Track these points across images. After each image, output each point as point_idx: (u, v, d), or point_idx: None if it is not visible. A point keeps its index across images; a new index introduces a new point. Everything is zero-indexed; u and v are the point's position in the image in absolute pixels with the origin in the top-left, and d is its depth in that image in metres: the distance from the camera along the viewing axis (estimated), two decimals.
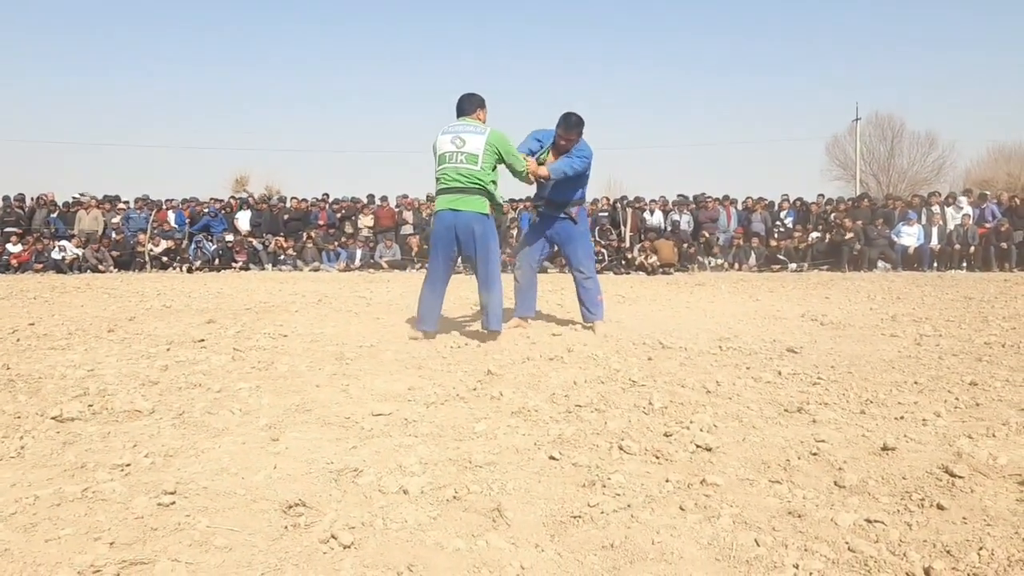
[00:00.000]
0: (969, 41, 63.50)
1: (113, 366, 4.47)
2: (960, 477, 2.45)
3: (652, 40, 72.92)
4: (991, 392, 3.75)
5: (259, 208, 19.46)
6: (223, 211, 19.16)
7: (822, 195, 19.67)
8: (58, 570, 1.83)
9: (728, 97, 69.81)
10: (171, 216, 18.71)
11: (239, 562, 1.90)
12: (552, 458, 2.71)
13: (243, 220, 18.79)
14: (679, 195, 19.29)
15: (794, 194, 19.26)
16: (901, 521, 2.14)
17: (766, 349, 5.09)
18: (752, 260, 17.05)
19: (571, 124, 5.74)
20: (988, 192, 19.47)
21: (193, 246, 17.76)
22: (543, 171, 5.65)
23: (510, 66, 72.42)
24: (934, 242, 16.62)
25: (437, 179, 5.42)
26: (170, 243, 17.68)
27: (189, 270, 16.89)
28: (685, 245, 17.06)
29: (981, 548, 1.94)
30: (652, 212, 18.42)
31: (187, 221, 18.66)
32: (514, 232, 15.89)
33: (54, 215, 18.63)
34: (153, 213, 18.54)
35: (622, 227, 17.71)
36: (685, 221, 18.06)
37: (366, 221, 18.56)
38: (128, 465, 2.61)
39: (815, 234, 17.43)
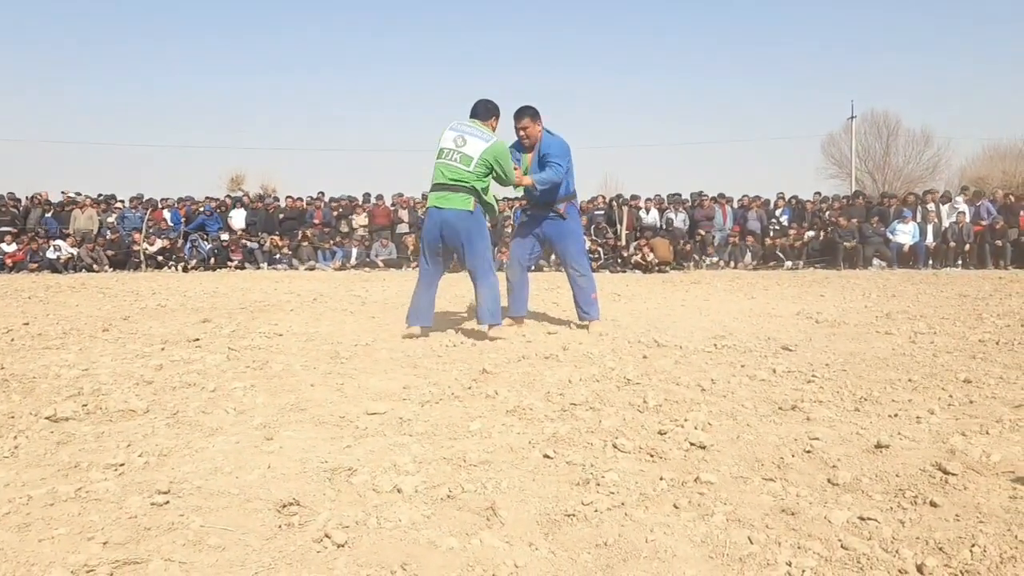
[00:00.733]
0: (964, 39, 63.64)
1: (107, 365, 4.46)
2: (953, 474, 2.46)
3: (648, 39, 72.95)
4: (985, 389, 3.76)
5: (254, 207, 19.43)
6: (218, 210, 19.13)
7: (818, 193, 19.70)
8: (51, 570, 1.83)
9: (724, 95, 69.87)
10: (167, 215, 18.68)
11: (233, 561, 1.89)
12: (546, 456, 2.71)
13: (237, 219, 18.75)
14: (671, 194, 19.28)
15: (790, 192, 19.29)
16: (894, 518, 2.14)
17: (761, 347, 5.09)
18: (748, 258, 17.07)
19: (523, 113, 5.77)
20: (983, 190, 19.51)
21: (188, 245, 17.73)
22: (527, 180, 5.69)
23: (506, 65, 72.40)
24: (929, 240, 16.66)
25: (433, 175, 5.50)
26: (165, 242, 17.65)
27: (184, 269, 16.86)
28: (681, 243, 17.07)
29: (974, 545, 1.94)
30: (648, 210, 18.42)
31: (182, 220, 18.63)
32: (508, 230, 15.89)
33: (49, 214, 18.58)
34: (148, 212, 18.51)
35: (618, 225, 17.72)
36: (681, 219, 18.07)
37: (361, 220, 18.55)
38: (122, 465, 2.60)
39: (810, 232, 17.46)
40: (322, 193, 19.81)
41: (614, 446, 2.81)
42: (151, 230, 17.97)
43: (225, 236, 17.95)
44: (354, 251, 17.58)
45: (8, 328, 6.21)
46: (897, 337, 5.50)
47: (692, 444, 2.82)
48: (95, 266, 16.64)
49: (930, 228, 16.81)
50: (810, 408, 3.37)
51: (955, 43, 63.68)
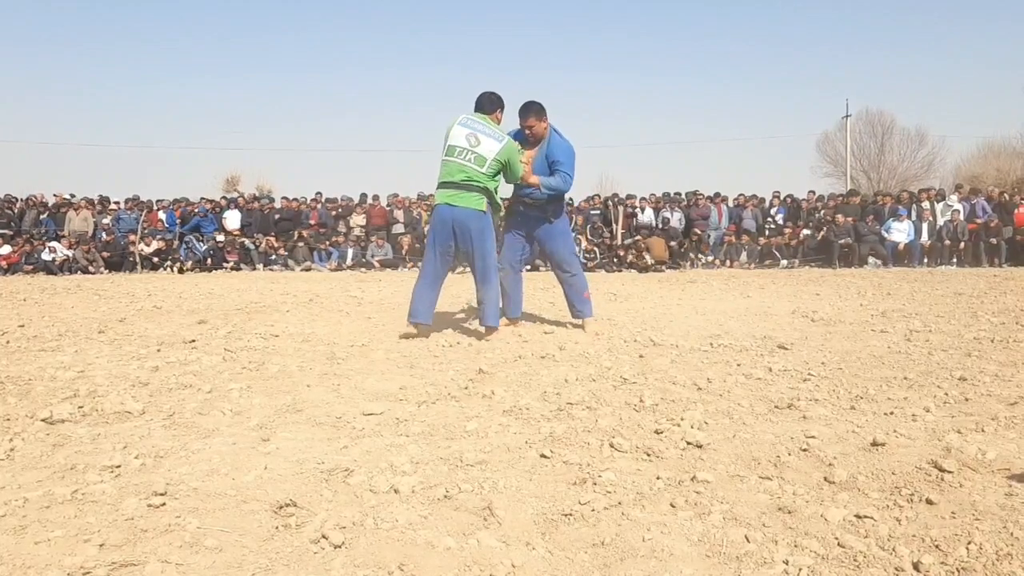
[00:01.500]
0: (959, 38, 63.79)
1: (103, 367, 4.46)
2: (949, 472, 2.47)
3: (644, 38, 72.98)
4: (980, 387, 3.77)
5: (249, 208, 19.39)
6: (214, 211, 19.10)
7: (812, 192, 19.71)
8: (48, 572, 1.82)
9: (719, 94, 70.00)
10: (162, 216, 18.65)
11: (230, 563, 1.89)
12: (543, 456, 2.71)
13: (231, 220, 18.71)
14: (665, 193, 19.28)
15: (785, 191, 19.32)
16: (890, 516, 2.15)
17: (757, 346, 5.10)
18: (743, 257, 17.09)
19: (528, 110, 5.65)
20: (978, 188, 19.55)
21: (184, 246, 17.70)
22: (535, 179, 5.63)
23: (502, 65, 72.36)
24: (924, 238, 16.69)
25: (441, 171, 5.43)
26: (161, 244, 17.61)
27: (180, 271, 16.83)
28: (677, 242, 17.08)
29: (970, 542, 1.95)
30: (643, 210, 18.43)
31: (178, 221, 18.59)
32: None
33: (44, 216, 18.54)
34: (144, 214, 18.47)
35: (614, 225, 17.73)
36: (677, 218, 18.08)
37: (359, 220, 18.54)
38: (118, 467, 2.60)
39: (806, 231, 17.48)
40: (319, 193, 19.78)
41: (611, 445, 2.81)
42: (146, 231, 17.93)
43: (220, 237, 17.90)
44: (350, 251, 17.56)
45: (3, 330, 6.20)
46: (893, 335, 5.51)
47: (688, 443, 2.83)
48: (90, 268, 16.61)
49: (925, 226, 16.84)
50: (806, 406, 3.38)
51: (950, 42, 63.88)
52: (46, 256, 16.46)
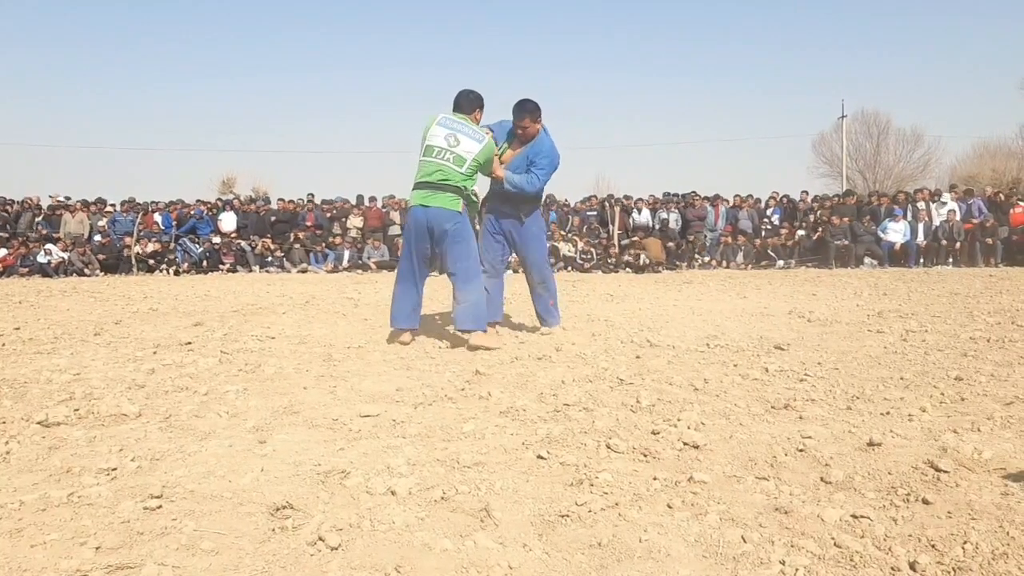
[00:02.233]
0: (954, 38, 63.93)
1: (99, 370, 4.45)
2: (945, 472, 2.47)
3: (640, 39, 73.04)
4: (976, 387, 3.77)
5: (245, 210, 19.38)
6: (209, 213, 19.08)
7: (806, 192, 19.69)
8: (44, 575, 1.82)
9: (715, 96, 70.10)
10: (158, 218, 18.62)
11: (226, 565, 1.89)
12: (540, 457, 2.71)
13: (226, 221, 18.69)
14: (665, 193, 19.31)
15: (781, 192, 19.34)
16: (887, 516, 2.15)
17: (753, 346, 5.11)
18: (740, 258, 17.11)
19: (523, 110, 5.45)
20: (974, 188, 19.60)
21: (180, 248, 17.68)
22: (499, 172, 5.45)
23: (498, 66, 72.40)
24: (920, 238, 16.72)
25: (417, 172, 5.26)
26: (157, 246, 17.59)
27: (176, 273, 16.81)
28: (672, 244, 17.09)
29: (966, 542, 1.95)
30: (640, 210, 18.45)
31: (174, 223, 18.58)
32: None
33: (40, 219, 18.51)
34: (139, 216, 18.45)
35: (610, 226, 17.75)
36: (673, 219, 18.10)
37: (355, 222, 18.53)
38: (114, 469, 2.59)
39: (801, 232, 17.51)
40: (311, 195, 19.77)
41: (607, 446, 2.81)
42: (142, 234, 17.91)
43: (216, 239, 17.87)
44: (346, 253, 17.56)
45: None
46: (889, 335, 5.52)
47: (685, 444, 2.83)
48: (86, 270, 16.58)
49: (921, 226, 16.87)
50: (803, 407, 3.38)
51: (945, 42, 64.03)
52: (42, 258, 16.42)
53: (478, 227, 5.80)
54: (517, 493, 2.37)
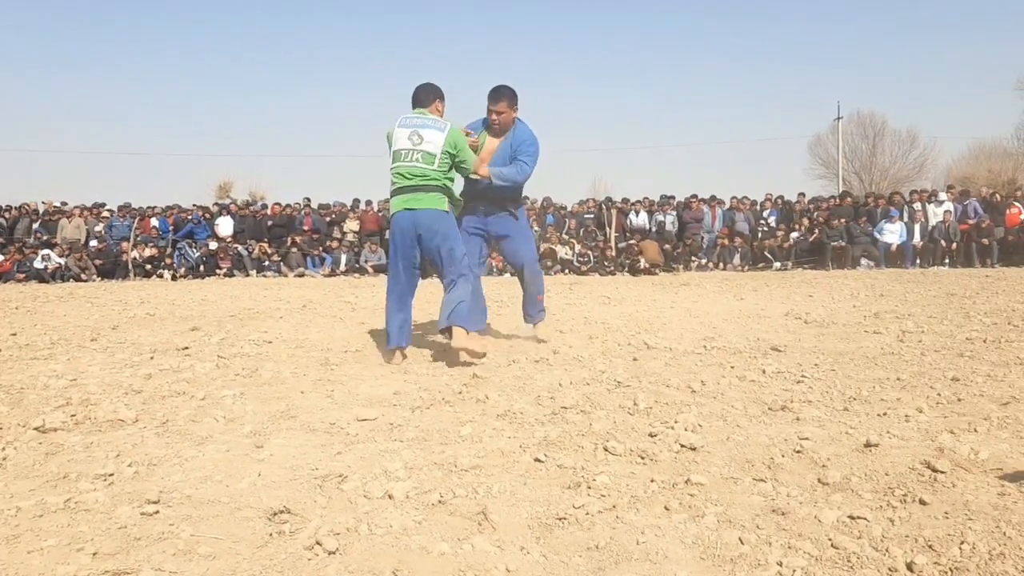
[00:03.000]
0: (950, 39, 64.10)
1: (96, 375, 4.44)
2: (942, 472, 2.47)
3: (636, 41, 73.16)
4: (973, 387, 3.78)
5: (242, 214, 19.37)
6: (205, 217, 19.08)
7: (802, 194, 19.66)
8: None
9: (711, 98, 70.17)
10: (155, 223, 18.62)
11: (223, 570, 1.89)
12: (537, 460, 2.71)
13: (223, 226, 18.69)
14: (661, 196, 19.32)
15: (777, 193, 19.34)
16: (884, 517, 2.15)
17: (750, 348, 5.11)
18: (736, 260, 17.13)
19: (498, 95, 5.14)
20: (970, 189, 19.65)
21: (177, 253, 17.66)
22: (484, 170, 5.07)
23: (494, 68, 72.43)
24: (916, 239, 16.74)
25: (391, 179, 4.92)
26: (154, 251, 17.57)
27: (173, 277, 16.80)
28: (668, 246, 17.10)
29: (963, 542, 1.96)
30: (637, 213, 18.47)
31: (171, 228, 18.56)
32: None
33: (37, 224, 18.50)
34: (136, 221, 18.44)
35: (607, 228, 17.77)
36: (670, 222, 18.13)
37: (353, 225, 18.54)
38: (111, 475, 2.59)
39: (795, 234, 17.54)
40: (307, 199, 19.76)
41: (605, 449, 2.82)
42: (139, 239, 17.90)
43: (213, 244, 17.86)
44: (343, 257, 17.55)
45: None
46: (885, 336, 5.53)
47: (682, 446, 2.83)
48: (83, 275, 16.55)
49: (917, 227, 16.90)
50: (799, 408, 3.39)
51: (941, 43, 64.17)
52: (39, 264, 16.39)
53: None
54: (515, 496, 2.38)
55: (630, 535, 2.07)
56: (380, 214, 18.83)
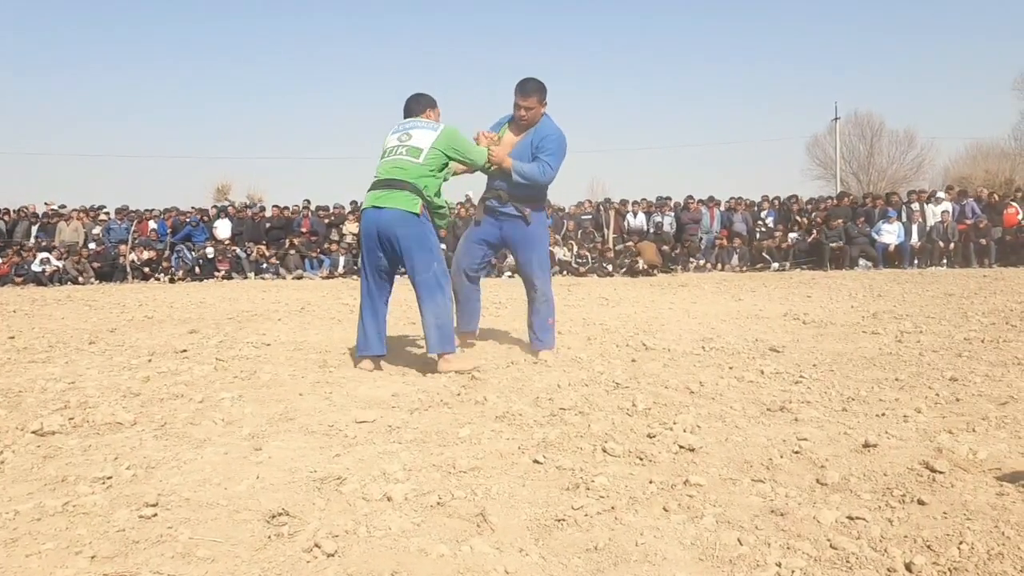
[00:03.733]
0: (947, 40, 64.19)
1: (94, 378, 4.44)
2: (940, 472, 2.48)
3: (633, 43, 73.21)
4: (971, 387, 3.78)
5: (240, 216, 19.37)
6: (203, 220, 19.07)
7: (795, 196, 19.59)
8: None
9: (709, 99, 70.24)
10: (153, 226, 18.61)
11: (222, 573, 1.89)
12: (536, 462, 2.71)
13: (222, 229, 18.68)
14: (658, 197, 19.32)
15: (775, 194, 19.35)
16: (882, 517, 2.15)
17: (749, 349, 5.11)
18: (735, 260, 17.14)
19: (527, 89, 4.81)
20: (967, 189, 19.67)
21: (175, 256, 17.66)
22: (507, 161, 4.75)
23: (491, 71, 72.49)
24: (914, 239, 16.75)
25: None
26: (152, 253, 17.56)
27: (171, 280, 16.78)
28: (666, 247, 17.11)
29: (961, 542, 1.96)
30: (635, 214, 18.48)
31: (169, 231, 18.56)
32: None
33: (35, 227, 18.50)
34: (134, 223, 18.43)
35: (605, 230, 17.77)
36: (668, 222, 18.13)
37: (351, 228, 18.53)
38: (109, 478, 2.58)
39: (793, 235, 17.55)
40: (307, 201, 19.76)
41: (603, 450, 2.82)
42: (137, 241, 17.88)
43: (210, 251, 17.83)
44: (341, 259, 17.54)
45: None
46: (884, 337, 5.53)
47: (681, 447, 2.83)
48: (81, 278, 16.54)
49: (915, 228, 16.91)
50: (798, 409, 3.39)
51: (938, 44, 64.27)
52: (37, 267, 16.38)
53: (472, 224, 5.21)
54: (513, 498, 2.37)
55: (629, 536, 2.07)
56: None
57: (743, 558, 1.93)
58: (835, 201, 19.01)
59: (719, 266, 17.14)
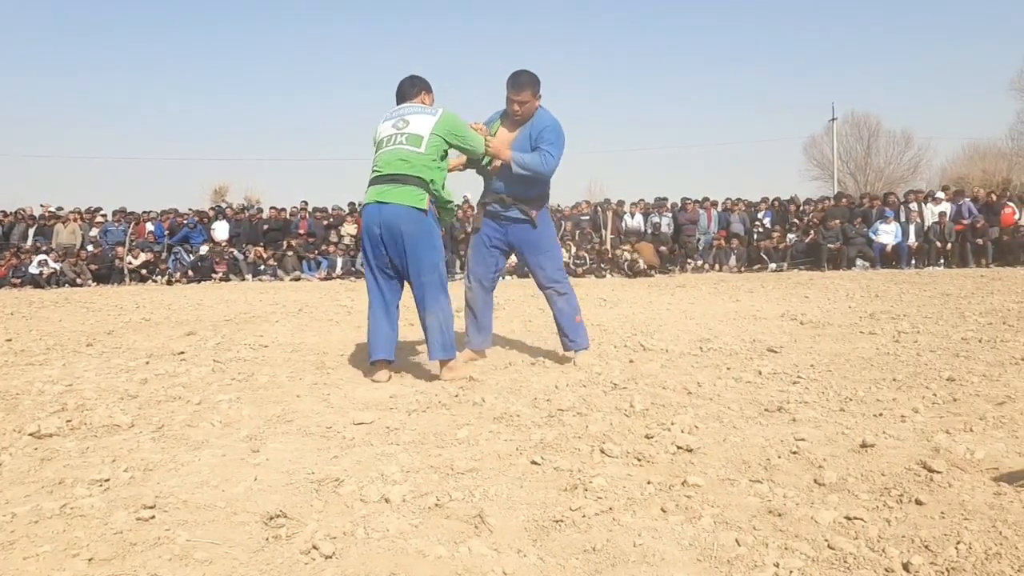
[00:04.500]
0: (943, 40, 64.29)
1: (92, 380, 4.43)
2: (938, 472, 2.48)
3: (631, 44, 73.24)
4: (968, 387, 3.79)
5: (238, 218, 19.35)
6: (201, 222, 19.06)
7: (793, 196, 19.64)
8: None
9: (706, 100, 70.31)
10: (150, 228, 18.59)
11: (220, 575, 1.88)
12: (534, 463, 2.71)
13: (219, 230, 18.67)
14: (656, 198, 19.33)
15: (772, 195, 19.39)
16: (880, 517, 2.15)
17: (746, 349, 5.11)
18: (732, 261, 17.15)
19: (519, 83, 4.53)
20: (964, 189, 19.70)
21: (172, 258, 17.64)
22: (505, 152, 4.49)
23: (489, 72, 72.47)
24: (911, 239, 16.77)
25: (371, 171, 4.36)
26: (149, 255, 17.54)
27: (168, 282, 16.77)
28: (664, 248, 17.11)
29: (959, 542, 1.96)
30: (633, 215, 18.49)
31: (166, 233, 18.54)
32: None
33: (33, 229, 18.48)
34: (132, 226, 18.42)
35: (603, 230, 17.78)
36: (666, 223, 18.14)
37: (349, 229, 18.53)
38: (107, 480, 2.58)
39: (791, 236, 17.56)
40: (305, 202, 19.76)
41: (601, 451, 2.82)
42: (134, 243, 17.86)
43: (203, 249, 17.82)
44: (339, 261, 17.54)
45: None
46: (881, 337, 5.54)
47: (679, 447, 2.83)
48: (78, 280, 16.52)
49: (912, 228, 16.93)
50: (796, 409, 3.39)
51: (935, 44, 64.37)
52: (34, 269, 16.36)
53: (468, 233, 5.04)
54: (511, 499, 2.37)
55: (627, 537, 2.07)
56: None
57: (741, 558, 1.93)
58: (832, 202, 19.03)
59: (717, 267, 17.15)
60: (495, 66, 75.11)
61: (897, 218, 17.13)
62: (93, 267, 17.04)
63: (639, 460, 2.73)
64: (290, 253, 17.74)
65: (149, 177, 62.05)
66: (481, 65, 75.15)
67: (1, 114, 62.19)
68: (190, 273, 17.18)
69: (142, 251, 17.61)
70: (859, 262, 16.50)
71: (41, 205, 19.51)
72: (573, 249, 17.08)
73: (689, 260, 17.37)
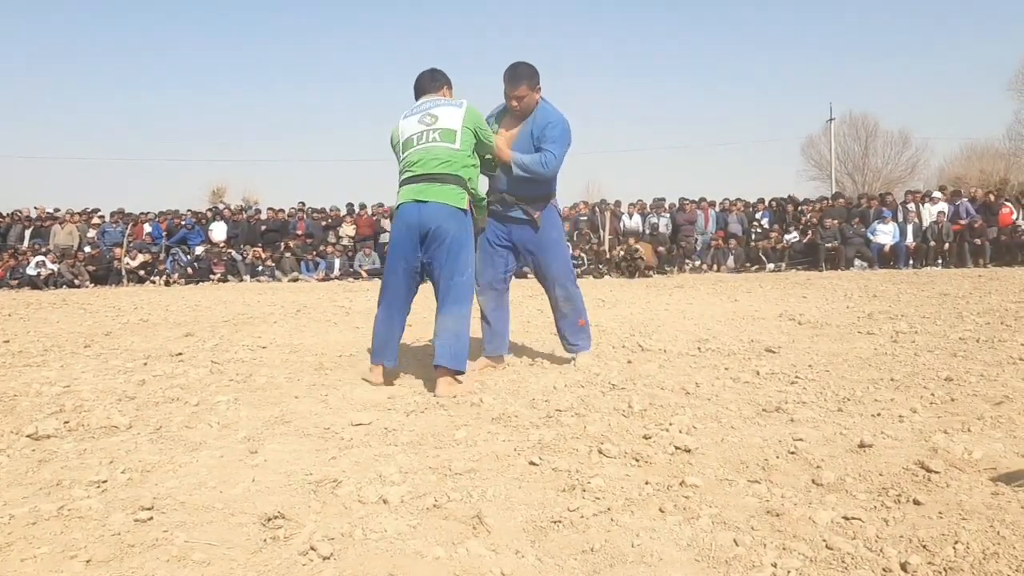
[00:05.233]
0: (941, 41, 64.37)
1: (89, 382, 4.43)
2: (936, 472, 2.48)
3: (629, 45, 73.27)
4: (966, 387, 3.79)
5: (235, 219, 19.35)
6: (199, 223, 19.06)
7: (788, 196, 19.62)
8: None
9: (704, 100, 70.34)
10: (148, 229, 18.59)
11: None
12: (532, 463, 2.70)
13: (217, 231, 18.68)
14: (654, 199, 19.34)
15: (770, 195, 19.43)
16: (878, 517, 2.15)
17: (744, 349, 5.11)
18: (730, 261, 17.16)
19: (515, 76, 4.34)
20: (962, 189, 19.73)
21: (170, 259, 17.63)
22: (506, 153, 4.34)
23: (488, 72, 72.44)
24: (909, 239, 16.79)
25: (401, 170, 4.15)
26: (147, 256, 17.53)
27: (166, 283, 16.76)
28: (662, 248, 17.12)
29: (957, 542, 1.96)
30: (631, 215, 18.49)
31: (164, 234, 18.54)
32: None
33: (30, 230, 18.47)
34: (129, 227, 18.41)
35: (601, 231, 17.78)
36: (664, 224, 18.15)
37: (348, 230, 18.54)
38: (105, 481, 2.58)
39: (788, 236, 17.57)
40: (302, 203, 19.77)
41: (599, 451, 2.81)
42: (132, 245, 17.85)
43: (200, 250, 17.81)
44: (337, 261, 17.54)
45: None
46: (879, 337, 5.54)
47: (677, 448, 2.83)
48: (76, 282, 16.50)
49: (910, 228, 16.95)
50: (794, 409, 3.39)
51: (932, 45, 64.44)
52: (32, 270, 16.34)
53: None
54: (509, 500, 2.37)
55: (625, 537, 2.06)
56: (374, 218, 18.82)
57: (739, 559, 1.93)
58: (830, 202, 19.05)
59: (715, 267, 17.17)
60: (493, 66, 75.08)
61: (895, 218, 17.16)
62: (91, 268, 17.04)
63: (637, 460, 2.73)
64: (288, 254, 17.75)
65: (147, 178, 61.99)
66: (479, 65, 75.12)
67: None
68: (189, 272, 17.17)
69: (140, 252, 17.61)
70: (857, 262, 16.52)
71: (35, 207, 19.50)
72: (571, 249, 17.08)
73: (687, 260, 17.39)
